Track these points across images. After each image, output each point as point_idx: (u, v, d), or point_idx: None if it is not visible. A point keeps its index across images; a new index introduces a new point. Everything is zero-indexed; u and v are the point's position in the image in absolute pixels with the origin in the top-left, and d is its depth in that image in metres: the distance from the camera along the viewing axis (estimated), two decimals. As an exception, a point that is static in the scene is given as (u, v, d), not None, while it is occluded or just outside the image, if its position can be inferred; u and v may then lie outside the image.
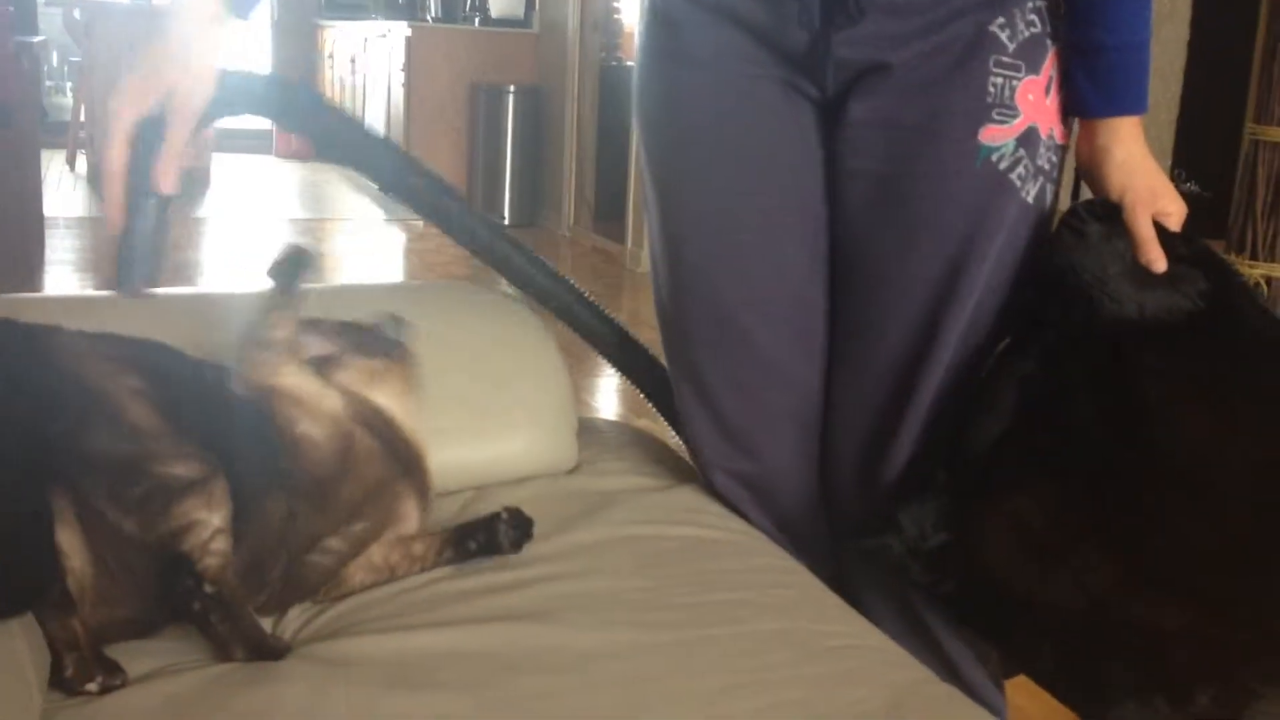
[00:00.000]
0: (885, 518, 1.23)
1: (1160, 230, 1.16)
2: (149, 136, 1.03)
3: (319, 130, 1.22)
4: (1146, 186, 1.17)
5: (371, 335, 1.16)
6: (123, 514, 0.91)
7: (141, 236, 1.04)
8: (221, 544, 0.94)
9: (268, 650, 0.96)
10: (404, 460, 1.12)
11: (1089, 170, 1.22)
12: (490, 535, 1.13)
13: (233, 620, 0.94)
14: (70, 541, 0.89)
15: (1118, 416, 1.15)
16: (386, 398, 1.13)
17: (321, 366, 1.10)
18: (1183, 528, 1.11)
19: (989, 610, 1.21)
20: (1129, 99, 1.18)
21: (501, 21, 6.91)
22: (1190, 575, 1.11)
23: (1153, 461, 1.13)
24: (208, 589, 0.92)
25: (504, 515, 1.15)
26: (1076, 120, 1.22)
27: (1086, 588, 1.14)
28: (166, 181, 1.04)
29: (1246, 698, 1.08)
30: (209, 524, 0.93)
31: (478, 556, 1.13)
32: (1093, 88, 1.17)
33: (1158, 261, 1.15)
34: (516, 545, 1.14)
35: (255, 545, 1.00)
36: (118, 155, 1.03)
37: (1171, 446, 1.13)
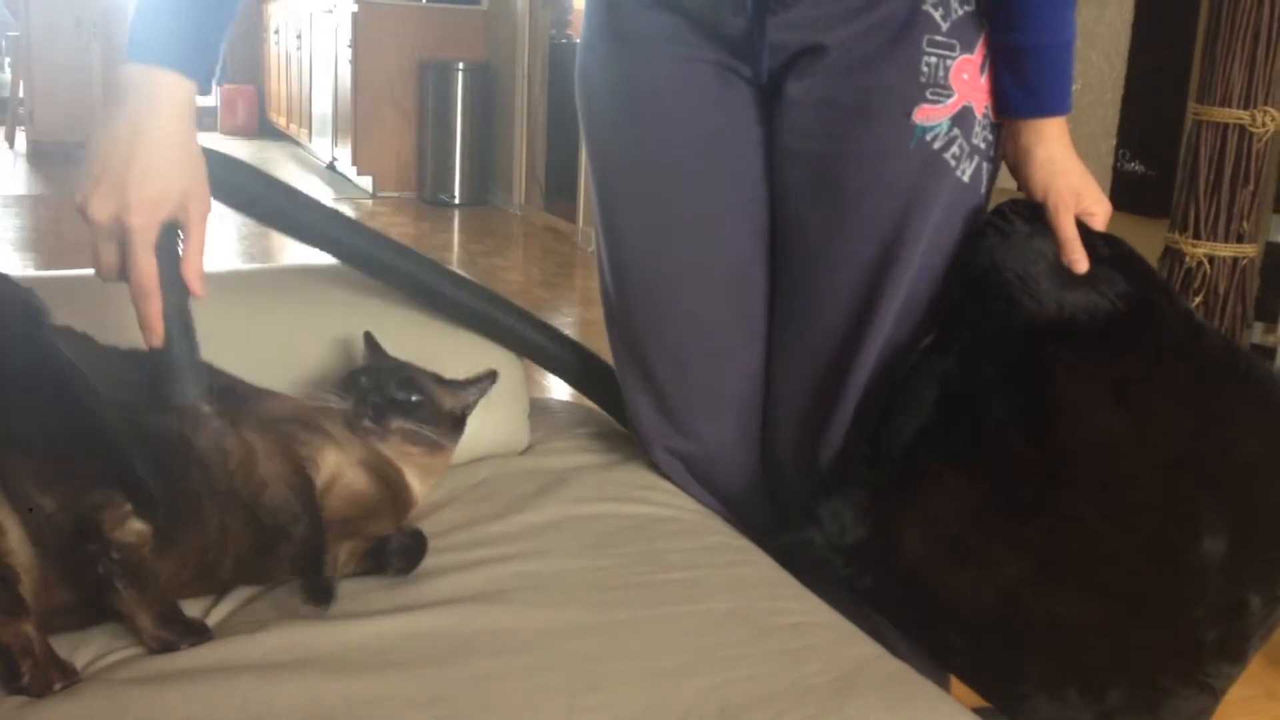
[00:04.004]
0: (807, 512, 1.23)
1: (1083, 230, 1.17)
2: (165, 242, 1.00)
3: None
4: (1069, 187, 1.17)
5: (430, 413, 1.18)
6: (44, 492, 0.89)
7: (181, 341, 1.01)
8: (138, 525, 0.92)
9: (178, 624, 0.94)
10: (396, 507, 1.15)
11: (1014, 169, 1.23)
12: (380, 559, 1.10)
13: (139, 588, 0.92)
14: (13, 534, 0.87)
15: (1031, 415, 1.16)
16: (411, 471, 1.16)
17: (366, 435, 1.14)
18: (1093, 525, 1.13)
19: (906, 605, 1.21)
20: (1051, 100, 1.18)
21: (450, -3, 6.85)
22: (1100, 572, 1.12)
23: (1064, 459, 1.14)
24: (115, 554, 0.90)
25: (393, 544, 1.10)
26: None
27: (998, 583, 1.15)
28: (198, 284, 1.01)
29: (1159, 695, 1.09)
30: (126, 506, 0.92)
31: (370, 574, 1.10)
32: (1015, 88, 1.18)
33: (1080, 262, 1.16)
34: (404, 571, 1.09)
35: (199, 548, 1.00)
36: (148, 268, 0.98)
37: (1083, 445, 1.14)
